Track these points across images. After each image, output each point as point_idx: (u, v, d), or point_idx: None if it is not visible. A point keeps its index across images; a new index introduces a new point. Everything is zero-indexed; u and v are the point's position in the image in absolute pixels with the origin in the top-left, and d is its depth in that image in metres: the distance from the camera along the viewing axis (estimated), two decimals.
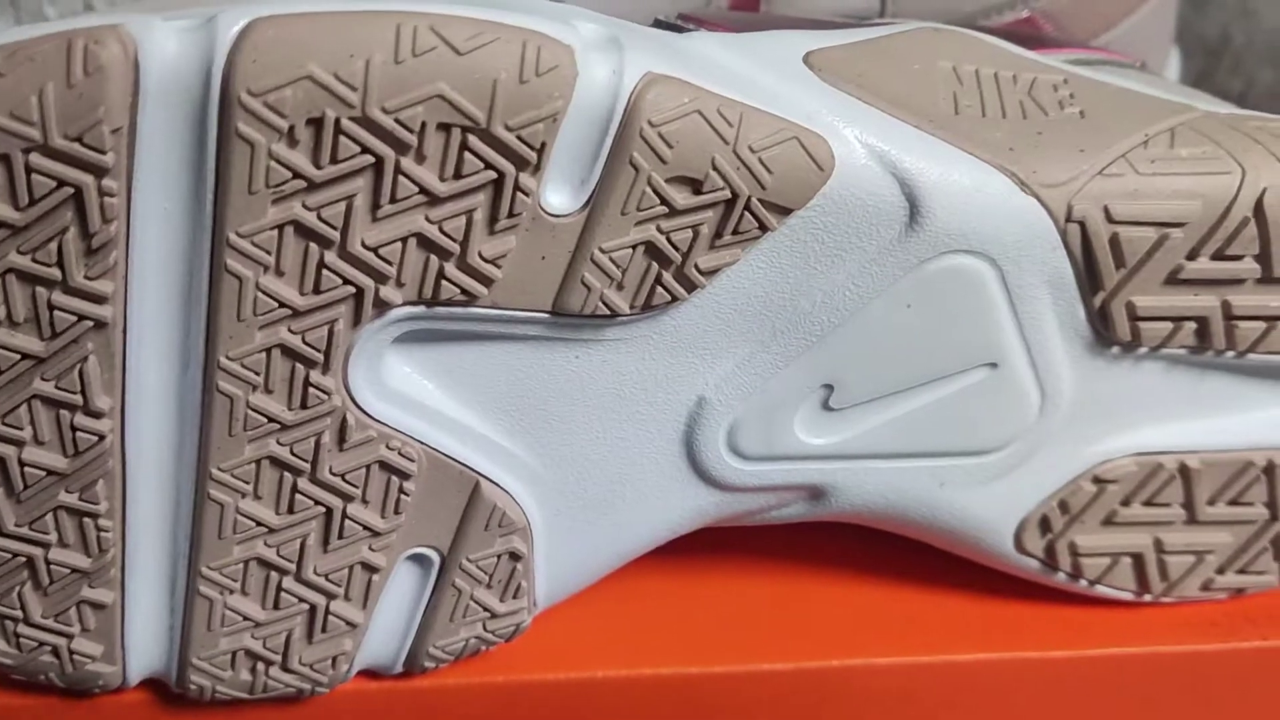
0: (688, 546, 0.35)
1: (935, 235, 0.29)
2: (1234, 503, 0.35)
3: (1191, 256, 0.31)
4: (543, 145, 0.26)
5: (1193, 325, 0.32)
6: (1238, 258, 0.31)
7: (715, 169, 0.27)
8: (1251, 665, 0.37)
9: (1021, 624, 0.36)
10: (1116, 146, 0.30)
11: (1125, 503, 0.34)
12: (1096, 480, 0.34)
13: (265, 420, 0.27)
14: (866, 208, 0.29)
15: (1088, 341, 0.32)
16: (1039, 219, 0.30)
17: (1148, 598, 0.36)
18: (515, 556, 0.31)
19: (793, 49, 0.30)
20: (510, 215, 0.26)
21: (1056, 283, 0.31)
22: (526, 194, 0.26)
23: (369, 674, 0.33)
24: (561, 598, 0.33)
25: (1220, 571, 0.36)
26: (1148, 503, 0.34)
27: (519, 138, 0.26)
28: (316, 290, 0.26)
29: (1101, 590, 0.36)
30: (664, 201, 0.27)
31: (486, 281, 0.27)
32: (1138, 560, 0.35)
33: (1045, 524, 0.34)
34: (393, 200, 0.26)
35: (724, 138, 0.27)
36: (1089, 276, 0.31)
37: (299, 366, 0.27)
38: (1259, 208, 0.31)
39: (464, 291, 0.27)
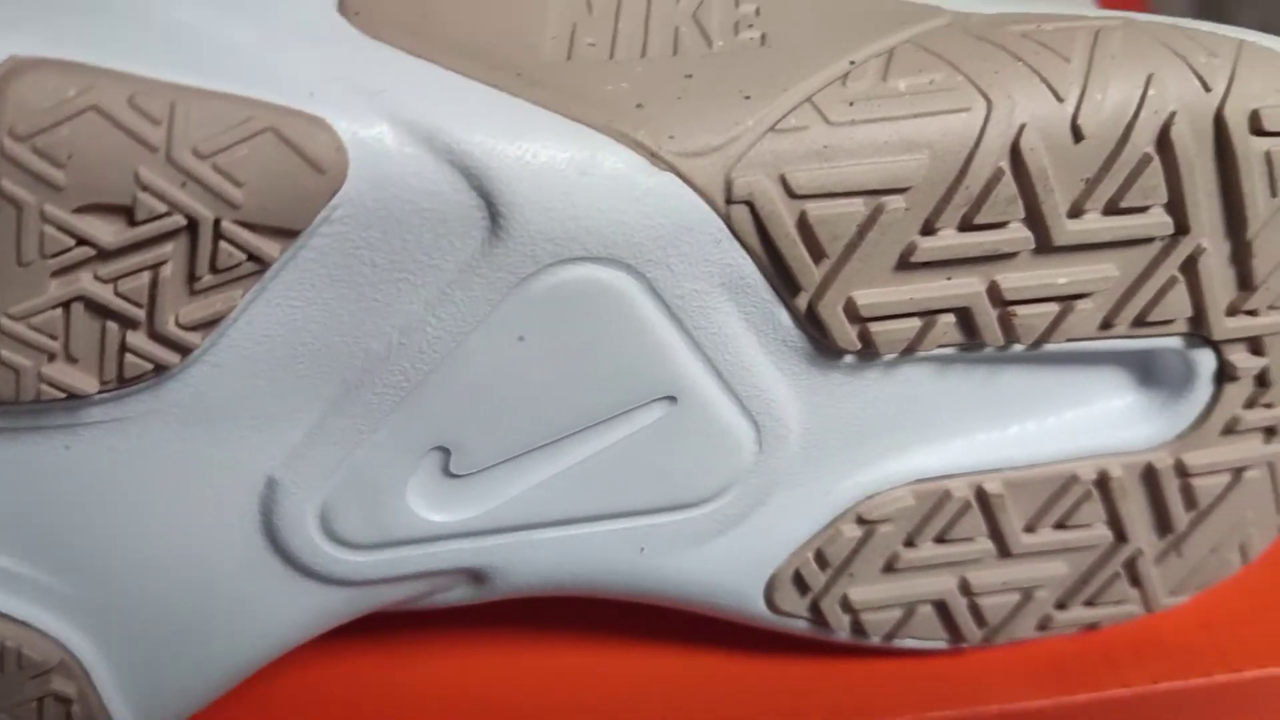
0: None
1: (532, 242, 0.19)
2: (1062, 526, 0.25)
3: (928, 231, 0.21)
4: None
5: (950, 319, 0.22)
6: (998, 225, 0.21)
7: (145, 188, 0.17)
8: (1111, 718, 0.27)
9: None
10: (800, 86, 0.20)
11: (909, 543, 0.24)
12: (861, 521, 0.24)
13: None
14: (424, 213, 0.19)
15: (807, 353, 0.22)
16: (685, 203, 0.19)
17: (966, 644, 0.26)
18: (63, 700, 0.22)
19: None
20: None
21: (736, 285, 0.20)
22: None
23: None
24: None
25: (1061, 607, 0.26)
26: (941, 539, 0.24)
27: None
28: None
29: (904, 644, 0.26)
30: (84, 241, 0.17)
31: None
32: (941, 607, 0.25)
33: (800, 581, 0.24)
34: None
35: (147, 142, 0.17)
36: (779, 274, 0.20)
37: None
38: (1016, 153, 0.20)
39: None
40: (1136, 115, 0.21)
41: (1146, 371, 0.25)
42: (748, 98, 0.20)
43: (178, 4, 0.19)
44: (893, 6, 0.22)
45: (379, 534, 0.22)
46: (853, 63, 0.20)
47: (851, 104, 0.20)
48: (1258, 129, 0.21)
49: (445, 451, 0.21)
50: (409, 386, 0.20)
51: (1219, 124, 0.21)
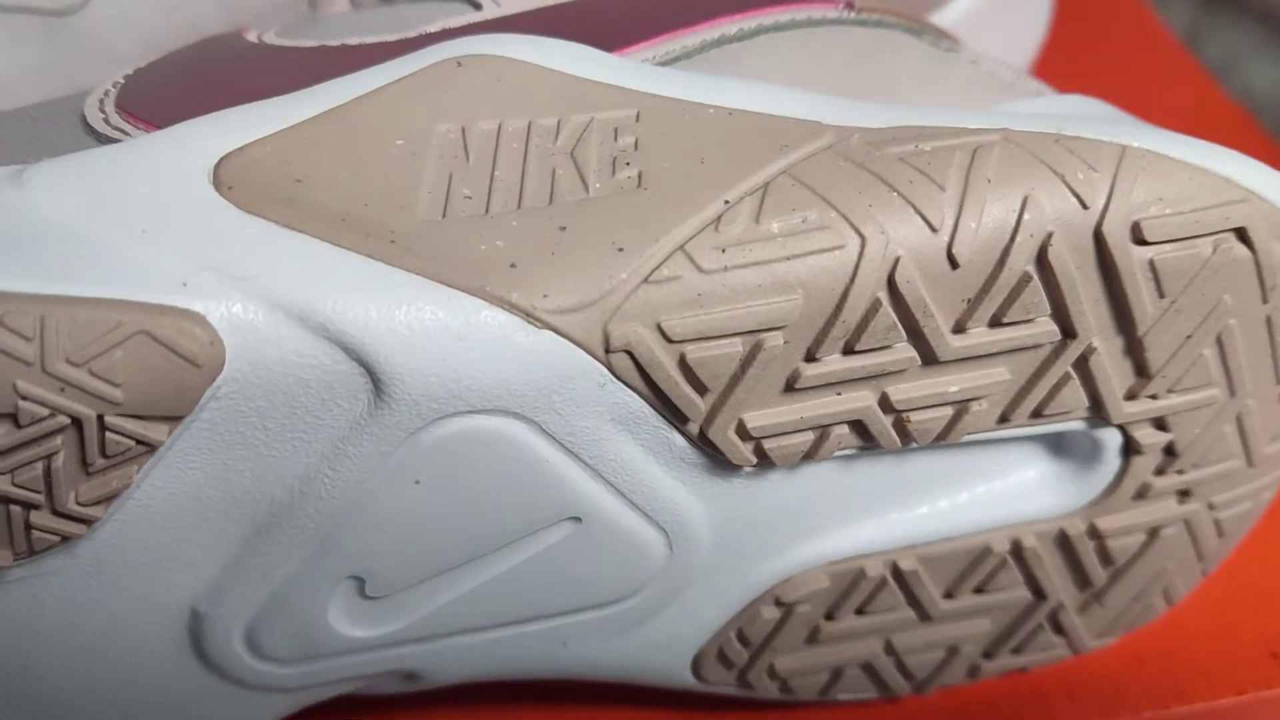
0: None
1: (415, 403, 0.20)
2: (981, 591, 0.25)
3: (811, 359, 0.21)
4: None
5: (844, 429, 0.22)
6: (881, 348, 0.21)
7: (24, 398, 0.18)
8: None
9: None
10: (673, 234, 0.20)
11: (830, 617, 0.25)
12: (779, 603, 0.24)
13: None
14: (307, 384, 0.19)
15: (706, 466, 0.22)
16: (565, 356, 0.20)
17: (896, 696, 0.27)
18: None
19: (197, 160, 0.20)
20: None
21: (626, 419, 0.21)
22: None
23: None
24: None
25: (988, 657, 0.27)
26: (861, 612, 0.25)
27: None
28: None
29: (840, 697, 0.27)
30: None
31: None
32: (868, 668, 0.26)
33: (725, 658, 0.25)
34: None
35: (22, 358, 0.18)
36: (666, 407, 0.21)
37: None
38: (892, 284, 0.20)
39: None
40: (1013, 239, 0.21)
41: (1056, 444, 0.25)
42: (621, 250, 0.20)
43: (47, 203, 0.19)
44: (773, 127, 0.21)
45: (305, 650, 0.23)
46: (727, 202, 0.20)
47: (724, 250, 0.20)
48: (1139, 240, 0.21)
49: (359, 579, 0.22)
50: (315, 527, 0.21)
51: (1099, 239, 0.21)
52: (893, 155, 0.21)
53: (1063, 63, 0.43)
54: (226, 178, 0.20)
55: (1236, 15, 0.66)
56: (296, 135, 0.20)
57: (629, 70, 0.22)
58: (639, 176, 0.21)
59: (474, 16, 0.25)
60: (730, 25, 0.25)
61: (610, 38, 0.24)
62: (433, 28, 0.24)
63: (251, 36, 0.24)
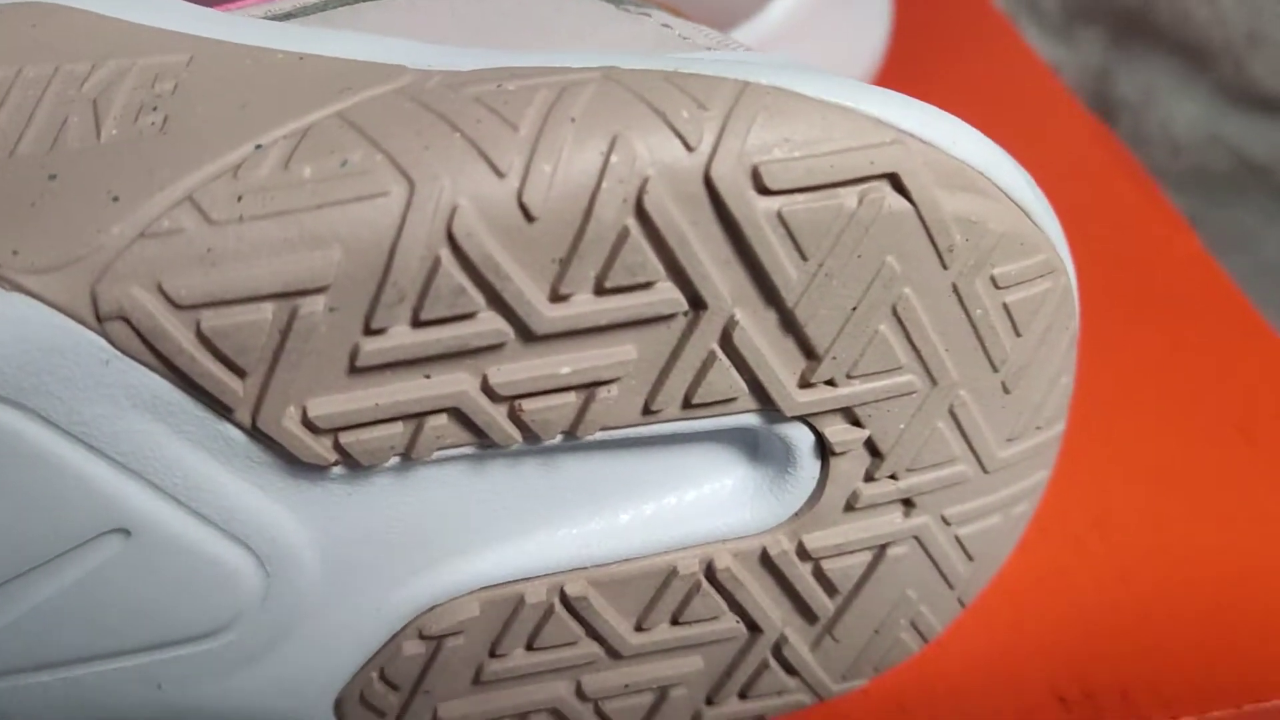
0: None
1: None
2: (679, 622, 0.21)
3: (372, 331, 0.17)
4: None
5: (443, 419, 0.18)
6: (461, 317, 0.17)
7: None
8: None
9: None
10: (182, 182, 0.16)
11: (495, 654, 0.21)
12: (424, 636, 0.20)
13: None
14: None
15: (283, 467, 0.18)
16: (46, 325, 0.16)
17: None
18: None
19: None
20: None
21: (154, 406, 0.17)
22: None
23: None
24: None
25: (711, 702, 0.22)
26: (532, 647, 0.21)
27: None
28: None
29: None
30: None
31: None
32: (559, 716, 0.22)
33: (369, 704, 0.21)
34: None
35: None
36: (198, 392, 0.17)
37: None
38: (453, 239, 0.16)
39: None
40: (598, 186, 0.17)
41: (754, 447, 0.21)
42: (116, 199, 0.16)
43: None
44: (344, 70, 0.18)
45: None
46: (259, 147, 0.17)
47: (240, 199, 0.16)
48: (762, 188, 0.17)
49: None
50: None
51: (711, 187, 0.17)
52: (469, 95, 0.17)
53: (909, 66, 0.40)
54: None
55: (1150, 50, 0.62)
56: None
57: (199, 17, 0.19)
58: (163, 122, 0.17)
59: None
60: None
61: None
62: None
63: None
